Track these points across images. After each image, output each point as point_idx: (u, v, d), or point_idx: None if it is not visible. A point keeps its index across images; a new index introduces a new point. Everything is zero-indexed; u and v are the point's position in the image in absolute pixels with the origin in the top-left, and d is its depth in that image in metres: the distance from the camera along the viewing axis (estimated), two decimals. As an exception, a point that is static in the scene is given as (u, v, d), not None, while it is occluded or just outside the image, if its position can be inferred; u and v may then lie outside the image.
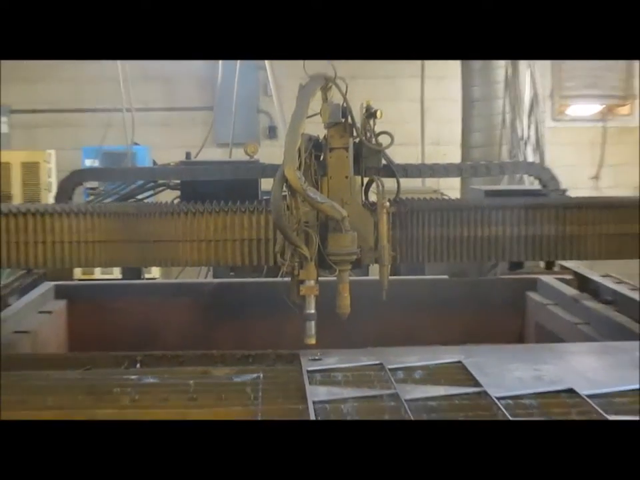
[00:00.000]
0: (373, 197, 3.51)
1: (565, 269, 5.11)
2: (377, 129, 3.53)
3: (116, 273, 7.79)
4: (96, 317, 5.00)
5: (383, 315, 3.92)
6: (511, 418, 2.57)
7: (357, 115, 3.47)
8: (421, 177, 4.06)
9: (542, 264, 5.16)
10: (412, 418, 2.57)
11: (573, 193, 4.05)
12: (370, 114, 3.52)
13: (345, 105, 3.41)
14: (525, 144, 9.04)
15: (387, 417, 2.63)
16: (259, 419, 2.65)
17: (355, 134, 3.47)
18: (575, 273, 5.00)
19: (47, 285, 5.07)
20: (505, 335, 5.02)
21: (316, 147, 3.44)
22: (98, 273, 8.04)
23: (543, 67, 10.07)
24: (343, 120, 3.42)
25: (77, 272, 7.59)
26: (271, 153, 4.88)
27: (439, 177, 4.55)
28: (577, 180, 10.61)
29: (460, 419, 2.58)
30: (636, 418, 2.55)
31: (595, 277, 4.84)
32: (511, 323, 5.15)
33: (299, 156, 3.27)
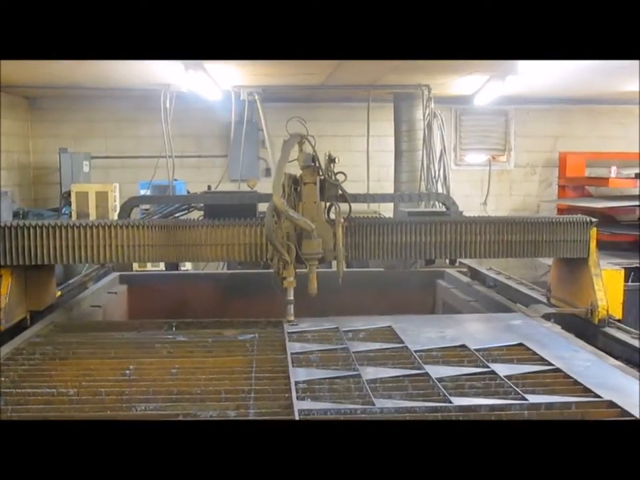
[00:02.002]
0: (332, 216, 3.49)
1: (462, 264, 5.11)
2: (336, 171, 3.51)
3: (161, 266, 7.72)
4: (147, 296, 4.92)
5: (339, 294, 3.88)
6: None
7: (323, 160, 3.45)
8: (365, 202, 4.01)
9: (447, 261, 5.15)
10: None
11: (467, 214, 4.00)
12: (331, 160, 3.49)
13: (314, 154, 3.39)
14: (436, 181, 9.06)
15: (342, 371, 2.52)
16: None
17: (320, 173, 3.44)
18: (469, 267, 4.99)
19: (114, 275, 5.01)
20: (422, 308, 5.00)
21: (295, 182, 3.40)
22: (149, 266, 7.95)
23: (448, 129, 10.08)
24: (313, 164, 3.41)
25: (135, 266, 7.53)
26: (267, 187, 4.81)
27: (377, 202, 4.52)
28: (472, 205, 10.61)
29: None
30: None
31: (482, 270, 4.83)
32: (426, 301, 5.12)
33: (283, 188, 3.27)
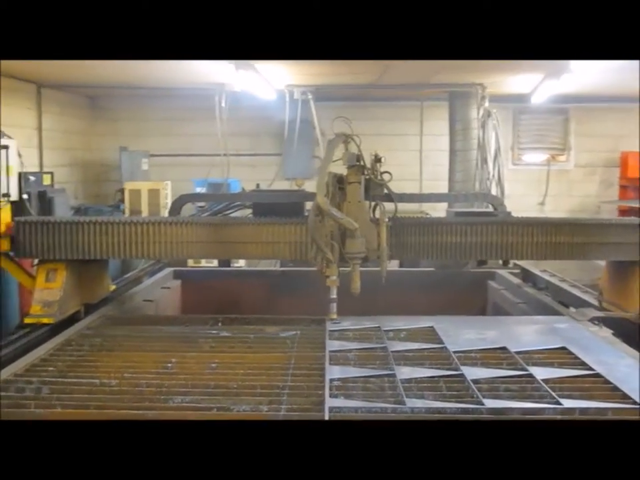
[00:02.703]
0: (377, 215, 3.49)
1: (516, 265, 5.03)
2: (389, 169, 3.49)
3: (215, 262, 7.82)
4: (199, 292, 5.01)
5: (382, 294, 3.86)
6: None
7: (368, 160, 3.46)
8: (411, 202, 3.99)
9: (500, 261, 5.07)
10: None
11: (523, 214, 3.89)
12: (377, 159, 3.51)
13: (359, 153, 3.41)
14: (491, 181, 8.95)
15: (378, 370, 2.52)
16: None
17: (365, 173, 3.46)
18: (521, 268, 4.92)
19: (168, 270, 5.11)
20: (473, 309, 4.93)
21: (339, 181, 3.43)
22: (203, 262, 8.06)
23: (505, 128, 9.93)
24: (358, 163, 3.42)
25: (190, 261, 7.64)
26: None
27: (423, 202, 4.50)
28: (529, 205, 10.47)
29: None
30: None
31: (536, 271, 4.76)
32: (477, 301, 5.06)
33: (327, 187, 3.29)
